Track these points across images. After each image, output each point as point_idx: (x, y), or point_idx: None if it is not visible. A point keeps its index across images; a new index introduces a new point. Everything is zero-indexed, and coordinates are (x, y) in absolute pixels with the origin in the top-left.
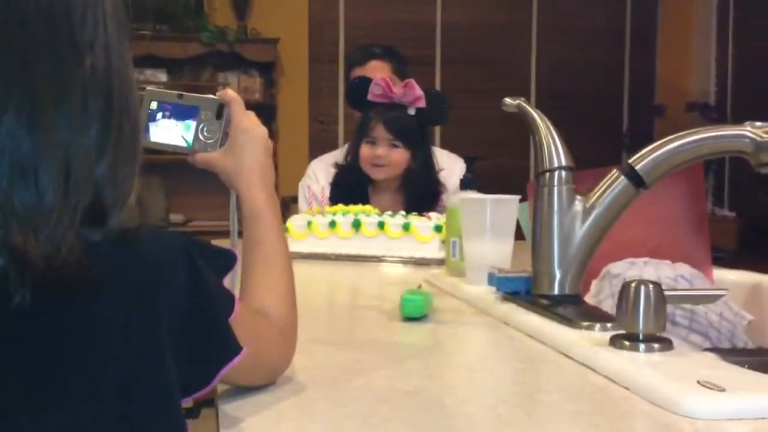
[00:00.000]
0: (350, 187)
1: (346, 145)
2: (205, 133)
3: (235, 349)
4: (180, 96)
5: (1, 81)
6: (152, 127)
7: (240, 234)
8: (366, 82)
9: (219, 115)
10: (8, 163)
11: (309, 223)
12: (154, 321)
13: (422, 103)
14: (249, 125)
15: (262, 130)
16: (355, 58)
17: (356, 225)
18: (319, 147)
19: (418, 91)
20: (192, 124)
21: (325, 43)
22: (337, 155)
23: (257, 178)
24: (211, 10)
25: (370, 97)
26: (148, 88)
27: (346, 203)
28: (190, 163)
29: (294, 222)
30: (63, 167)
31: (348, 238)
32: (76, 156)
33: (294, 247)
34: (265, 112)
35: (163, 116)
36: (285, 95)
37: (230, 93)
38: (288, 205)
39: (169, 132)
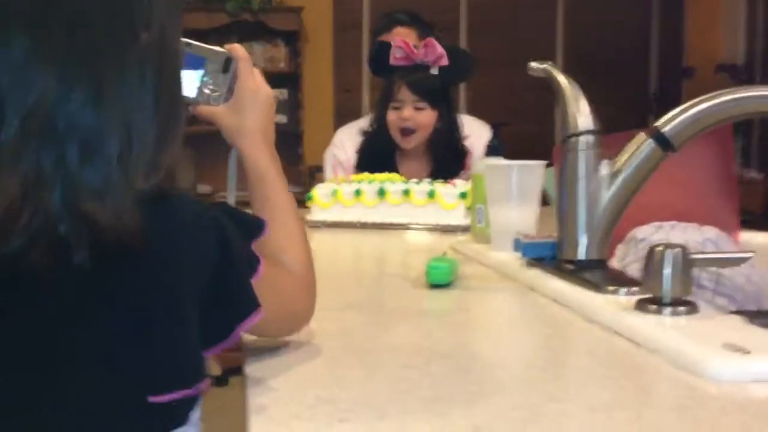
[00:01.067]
0: (377, 154)
1: (373, 113)
2: (210, 86)
3: (254, 305)
4: (188, 44)
5: (69, 61)
6: None
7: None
8: (386, 46)
9: (225, 69)
10: (77, 139)
11: (334, 192)
12: (178, 279)
13: (445, 62)
14: (255, 85)
15: (268, 91)
16: (380, 25)
17: (381, 193)
18: (344, 115)
19: (440, 50)
20: (197, 74)
21: (349, 11)
22: (364, 123)
23: (260, 138)
24: None
25: (391, 60)
26: None
27: (373, 170)
28: (194, 114)
29: (319, 191)
30: (126, 140)
31: (373, 207)
32: (136, 129)
33: (319, 215)
34: (291, 81)
35: None
36: (310, 64)
37: (239, 49)
38: (314, 174)
39: None
